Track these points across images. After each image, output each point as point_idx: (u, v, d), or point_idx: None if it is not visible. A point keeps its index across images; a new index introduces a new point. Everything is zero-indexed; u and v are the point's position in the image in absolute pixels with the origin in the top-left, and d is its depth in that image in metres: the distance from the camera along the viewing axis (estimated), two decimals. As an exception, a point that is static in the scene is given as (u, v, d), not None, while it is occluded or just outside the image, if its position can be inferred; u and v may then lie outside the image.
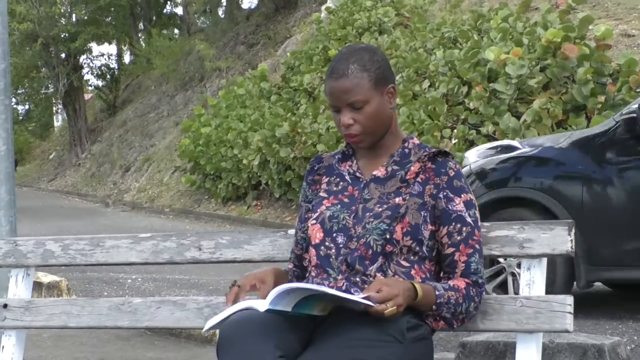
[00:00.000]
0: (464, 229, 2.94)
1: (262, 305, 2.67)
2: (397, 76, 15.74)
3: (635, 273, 7.04)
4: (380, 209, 2.93)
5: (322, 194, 3.08)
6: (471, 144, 13.38)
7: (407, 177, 2.97)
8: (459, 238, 2.93)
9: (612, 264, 7.14)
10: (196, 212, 22.47)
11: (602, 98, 12.42)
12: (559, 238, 3.01)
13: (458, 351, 5.00)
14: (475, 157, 8.01)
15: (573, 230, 3.02)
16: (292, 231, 3.30)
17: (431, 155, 2.99)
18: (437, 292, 2.85)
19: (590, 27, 13.78)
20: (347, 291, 2.82)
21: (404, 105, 14.84)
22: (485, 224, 3.08)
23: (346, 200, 3.01)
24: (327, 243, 2.96)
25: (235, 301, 2.88)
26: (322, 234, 2.98)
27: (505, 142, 8.48)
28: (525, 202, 7.47)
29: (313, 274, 2.98)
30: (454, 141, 13.59)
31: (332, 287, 2.83)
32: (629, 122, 7.03)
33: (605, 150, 7.23)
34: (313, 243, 3.00)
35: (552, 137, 8.15)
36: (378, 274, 2.88)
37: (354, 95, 2.94)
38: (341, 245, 2.93)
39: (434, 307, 2.86)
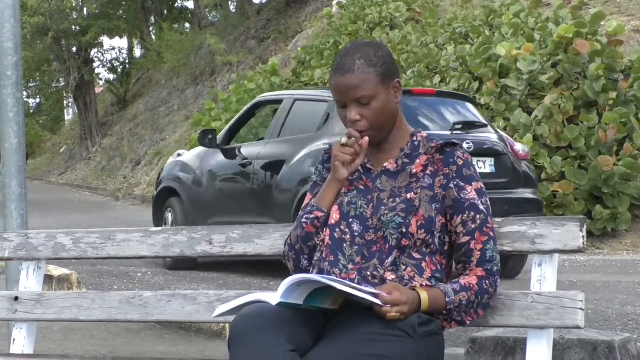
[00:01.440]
0: (478, 216, 2.93)
1: (273, 298, 2.67)
2: (408, 71, 15.72)
3: None
4: (394, 203, 2.93)
5: (337, 179, 3.08)
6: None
7: (414, 171, 2.97)
8: (473, 226, 2.93)
9: None
10: (206, 206, 22.43)
11: (613, 94, 12.40)
12: (571, 234, 3.00)
13: (468, 346, 4.99)
14: (170, 159, 12.04)
15: (585, 227, 3.01)
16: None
17: (438, 147, 2.99)
18: (447, 299, 2.85)
19: (602, 23, 13.76)
20: (358, 284, 2.82)
21: (415, 101, 14.81)
22: (497, 219, 3.08)
23: (362, 187, 3.02)
24: (342, 227, 2.97)
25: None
26: (338, 216, 2.98)
27: (179, 151, 12.62)
28: (168, 191, 11.38)
29: (323, 255, 2.98)
30: (464, 137, 13.57)
31: (343, 278, 2.83)
32: (200, 137, 10.87)
33: (204, 157, 11.01)
34: (329, 223, 2.99)
35: (197, 150, 11.53)
36: (389, 273, 2.88)
37: (360, 91, 2.94)
38: (356, 234, 2.94)
39: (444, 312, 2.86)
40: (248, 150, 10.49)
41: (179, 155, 11.93)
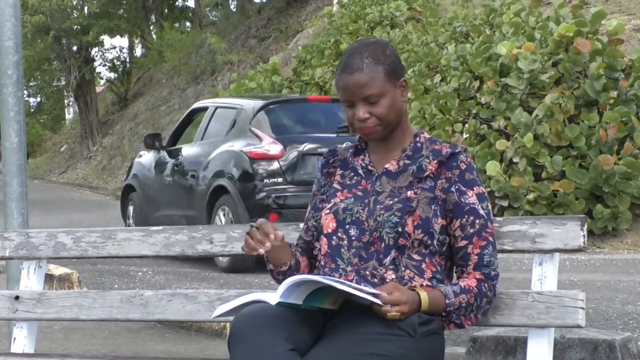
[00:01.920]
0: (477, 221, 2.93)
1: (273, 298, 2.67)
2: (408, 70, 15.71)
3: None
4: (391, 202, 2.93)
5: (335, 185, 3.08)
6: (482, 139, 13.37)
7: (424, 176, 2.96)
8: (472, 231, 2.93)
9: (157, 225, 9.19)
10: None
11: (614, 93, 12.39)
12: (572, 233, 3.00)
13: (468, 346, 4.99)
14: (135, 159, 13.60)
15: (585, 226, 3.02)
16: (303, 224, 3.30)
17: (448, 155, 2.97)
18: (447, 301, 2.85)
19: (602, 22, 13.74)
20: (357, 284, 2.82)
21: (416, 100, 14.82)
22: (498, 218, 3.08)
23: (360, 193, 3.01)
24: (339, 234, 2.96)
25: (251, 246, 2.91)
26: (334, 224, 2.98)
27: (141, 152, 13.74)
28: (130, 187, 13.14)
29: (322, 262, 2.98)
30: (465, 136, 13.57)
31: (342, 280, 2.83)
32: (145, 141, 12.76)
33: (155, 158, 12.62)
34: (325, 232, 2.99)
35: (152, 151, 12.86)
36: (390, 271, 2.88)
37: (369, 89, 2.93)
38: (353, 238, 2.94)
39: (443, 313, 2.86)
40: (181, 151, 12.07)
41: (140, 156, 13.38)
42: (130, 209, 13.06)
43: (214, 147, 11.25)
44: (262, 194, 10.43)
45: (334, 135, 10.54)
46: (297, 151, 10.60)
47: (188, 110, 13.02)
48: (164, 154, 12.42)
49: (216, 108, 11.97)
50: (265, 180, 10.48)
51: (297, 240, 3.21)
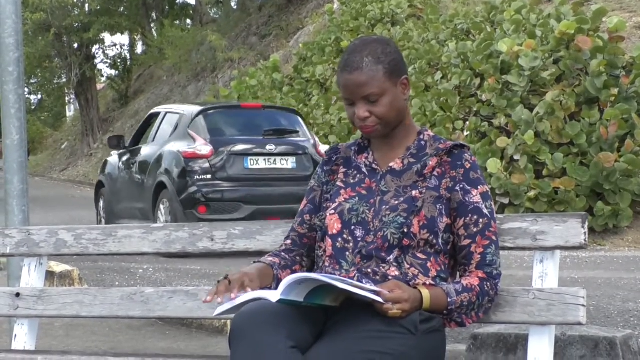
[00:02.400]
0: (481, 220, 2.93)
1: (274, 295, 2.67)
2: (409, 68, 15.72)
3: (124, 221, 13.33)
4: (396, 202, 2.92)
5: (339, 184, 3.07)
6: (483, 136, 13.37)
7: (425, 172, 2.96)
8: (475, 230, 2.93)
9: (120, 216, 13.70)
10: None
11: (615, 90, 12.39)
12: (573, 230, 3.00)
13: (469, 343, 4.99)
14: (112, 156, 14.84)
15: (586, 223, 3.01)
16: (297, 217, 3.28)
17: (447, 149, 2.98)
18: (449, 299, 2.85)
19: (603, 19, 13.74)
20: (358, 281, 2.82)
21: (416, 97, 14.82)
22: (499, 216, 3.07)
23: (364, 192, 3.00)
24: (345, 236, 2.95)
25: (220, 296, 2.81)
26: (340, 226, 2.97)
27: (112, 152, 15.07)
28: (101, 183, 14.78)
29: (327, 264, 2.97)
30: (466, 133, 13.57)
31: (343, 277, 2.82)
32: (109, 142, 14.48)
33: (120, 157, 14.20)
34: (330, 233, 2.98)
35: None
36: (393, 268, 2.87)
37: (369, 89, 2.93)
38: (359, 240, 2.93)
39: (444, 312, 2.86)
40: (138, 151, 13.61)
41: (111, 155, 14.89)
42: (101, 202, 14.75)
43: (160, 147, 12.79)
44: (193, 189, 11.92)
45: (261, 137, 12.31)
46: (225, 151, 12.09)
47: (147, 115, 14.64)
48: (126, 153, 14.01)
49: (166, 113, 13.49)
50: (196, 177, 11.95)
51: (289, 232, 3.19)
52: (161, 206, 12.37)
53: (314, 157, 12.27)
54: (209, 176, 11.97)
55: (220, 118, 12.86)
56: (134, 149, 13.80)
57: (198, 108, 12.85)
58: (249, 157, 12.14)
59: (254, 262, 3.05)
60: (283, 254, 3.11)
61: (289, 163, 12.25)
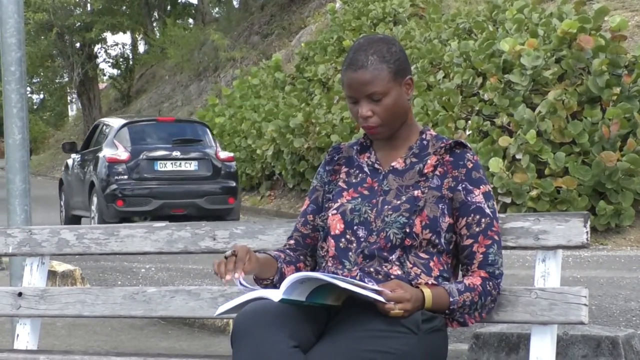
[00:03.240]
0: (483, 220, 2.92)
1: (275, 295, 2.67)
2: (411, 67, 15.72)
3: (79, 211, 16.21)
4: (398, 202, 2.92)
5: (341, 184, 3.07)
6: (485, 135, 13.37)
7: (425, 171, 2.96)
8: (477, 229, 2.92)
9: (73, 207, 16.57)
10: (210, 202, 22.46)
11: (617, 89, 12.38)
12: (575, 229, 3.00)
13: (471, 342, 4.99)
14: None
15: (588, 222, 3.01)
16: (300, 217, 3.28)
17: (448, 147, 2.97)
18: (451, 299, 2.84)
19: (605, 18, 13.73)
20: (360, 280, 2.82)
21: (419, 96, 14.82)
22: (501, 215, 3.07)
23: (366, 192, 3.00)
24: (347, 236, 2.95)
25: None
26: (342, 226, 2.97)
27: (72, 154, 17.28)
28: (61, 181, 17.68)
29: (329, 264, 2.97)
30: (468, 132, 13.57)
31: (345, 277, 2.82)
32: (63, 147, 17.28)
33: (73, 160, 16.90)
34: (332, 234, 2.98)
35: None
36: (395, 267, 2.87)
37: (373, 87, 2.92)
38: (362, 240, 2.92)
39: (446, 311, 2.85)
40: (83, 155, 16.29)
41: (71, 157, 17.24)
42: (62, 197, 17.53)
43: (94, 153, 15.66)
44: (113, 187, 14.82)
45: (170, 145, 15.32)
46: (140, 157, 15.06)
47: (92, 125, 18.11)
48: (77, 156, 16.66)
49: (102, 125, 16.57)
50: (115, 177, 14.88)
51: (292, 232, 3.18)
52: (94, 200, 15.18)
53: (213, 162, 15.31)
54: (125, 177, 14.89)
55: (140, 130, 15.81)
56: (82, 152, 16.51)
57: (123, 121, 16.10)
58: (159, 161, 15.10)
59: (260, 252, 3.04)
60: (288, 250, 3.11)
61: (192, 166, 15.27)
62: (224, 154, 15.61)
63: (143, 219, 15.00)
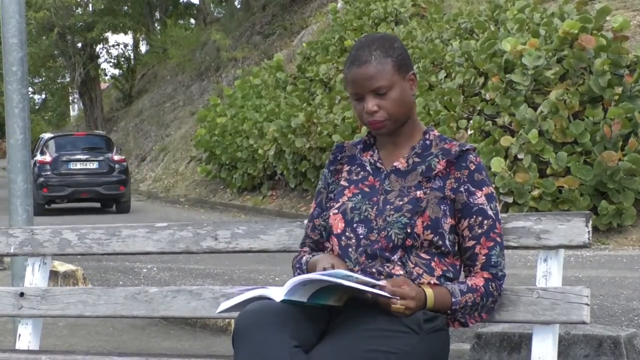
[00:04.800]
0: (485, 222, 2.92)
1: (277, 295, 2.66)
2: (413, 67, 15.72)
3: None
4: (401, 202, 2.91)
5: (343, 182, 3.07)
6: (487, 135, 13.37)
7: (433, 173, 2.95)
8: (480, 231, 2.92)
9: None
10: (211, 202, 22.50)
11: (619, 89, 12.38)
12: (576, 229, 3.00)
13: (473, 342, 4.99)
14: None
15: (590, 222, 3.01)
16: (308, 221, 3.29)
17: (457, 154, 2.96)
18: (453, 299, 2.84)
19: (607, 18, 13.73)
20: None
21: (420, 96, 14.82)
22: (503, 215, 3.07)
23: (367, 189, 3.00)
24: (347, 233, 2.95)
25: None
26: (343, 224, 2.97)
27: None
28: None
29: None
30: (469, 132, 13.57)
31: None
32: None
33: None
34: (335, 232, 2.98)
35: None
36: (398, 267, 2.87)
37: (378, 81, 2.92)
38: (361, 237, 2.92)
39: (448, 311, 2.85)
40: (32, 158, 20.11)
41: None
42: None
43: (34, 157, 20.22)
44: (41, 179, 21.36)
45: (80, 151, 22.41)
46: (59, 159, 21.86)
47: (38, 137, 24.79)
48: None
49: (41, 137, 23.84)
50: (42, 173, 21.56)
51: (304, 239, 3.19)
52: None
53: (109, 162, 22.13)
54: (49, 172, 21.61)
55: (61, 141, 23.22)
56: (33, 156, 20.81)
57: (51, 135, 24.15)
58: (71, 162, 22.02)
59: (306, 256, 3.07)
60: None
61: (94, 165, 22.16)
62: (117, 157, 22.46)
63: (61, 201, 22.33)
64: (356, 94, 2.97)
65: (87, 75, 37.26)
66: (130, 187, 22.90)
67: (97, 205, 22.91)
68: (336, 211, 2.99)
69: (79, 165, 21.97)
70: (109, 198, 22.13)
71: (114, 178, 21.82)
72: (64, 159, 21.88)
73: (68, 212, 21.98)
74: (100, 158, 22.12)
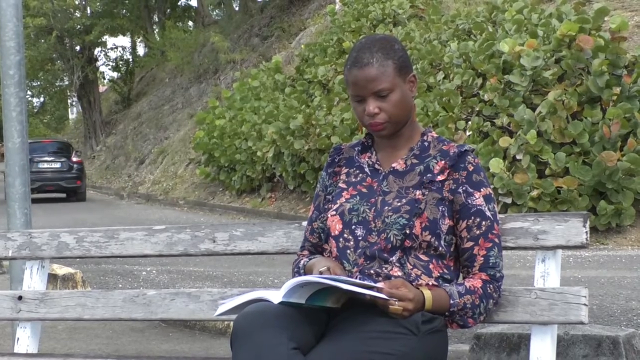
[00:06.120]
0: (484, 223, 2.92)
1: (275, 297, 2.66)
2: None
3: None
4: (399, 203, 2.91)
5: (341, 184, 3.07)
6: (485, 136, 13.37)
7: (430, 176, 2.95)
8: (478, 232, 2.92)
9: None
10: (210, 204, 22.50)
11: (617, 90, 12.38)
12: (574, 229, 3.00)
13: (472, 343, 4.99)
14: None
15: (588, 222, 3.01)
16: (306, 223, 3.29)
17: (456, 155, 2.96)
18: (451, 301, 2.84)
19: (605, 18, 13.73)
20: (361, 279, 2.81)
21: (419, 97, 14.81)
22: (501, 215, 3.07)
23: (365, 191, 3.00)
24: (345, 235, 2.95)
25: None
26: (341, 226, 2.97)
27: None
28: None
29: None
30: (468, 133, 13.57)
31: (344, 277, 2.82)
32: None
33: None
34: (332, 234, 2.98)
35: None
36: (396, 268, 2.87)
37: (380, 83, 2.92)
38: (360, 238, 2.92)
39: (446, 313, 2.85)
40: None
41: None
42: None
43: None
44: None
45: (46, 154, 27.81)
46: (31, 161, 23.85)
47: None
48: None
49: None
50: None
51: (303, 242, 3.19)
52: None
53: (69, 162, 27.74)
54: None
55: (32, 146, 26.44)
56: None
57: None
58: (39, 163, 27.20)
59: (304, 260, 3.07)
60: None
61: (57, 165, 27.68)
62: (75, 158, 28.26)
63: (32, 193, 27.13)
64: (357, 95, 2.96)
65: (85, 78, 37.26)
66: (85, 181, 29.12)
67: (63, 195, 28.51)
68: (334, 213, 2.99)
69: (45, 165, 27.73)
70: (69, 190, 28.04)
71: (73, 175, 27.82)
72: (34, 160, 26.89)
73: (39, 200, 26.50)
74: (63, 159, 28.00)
